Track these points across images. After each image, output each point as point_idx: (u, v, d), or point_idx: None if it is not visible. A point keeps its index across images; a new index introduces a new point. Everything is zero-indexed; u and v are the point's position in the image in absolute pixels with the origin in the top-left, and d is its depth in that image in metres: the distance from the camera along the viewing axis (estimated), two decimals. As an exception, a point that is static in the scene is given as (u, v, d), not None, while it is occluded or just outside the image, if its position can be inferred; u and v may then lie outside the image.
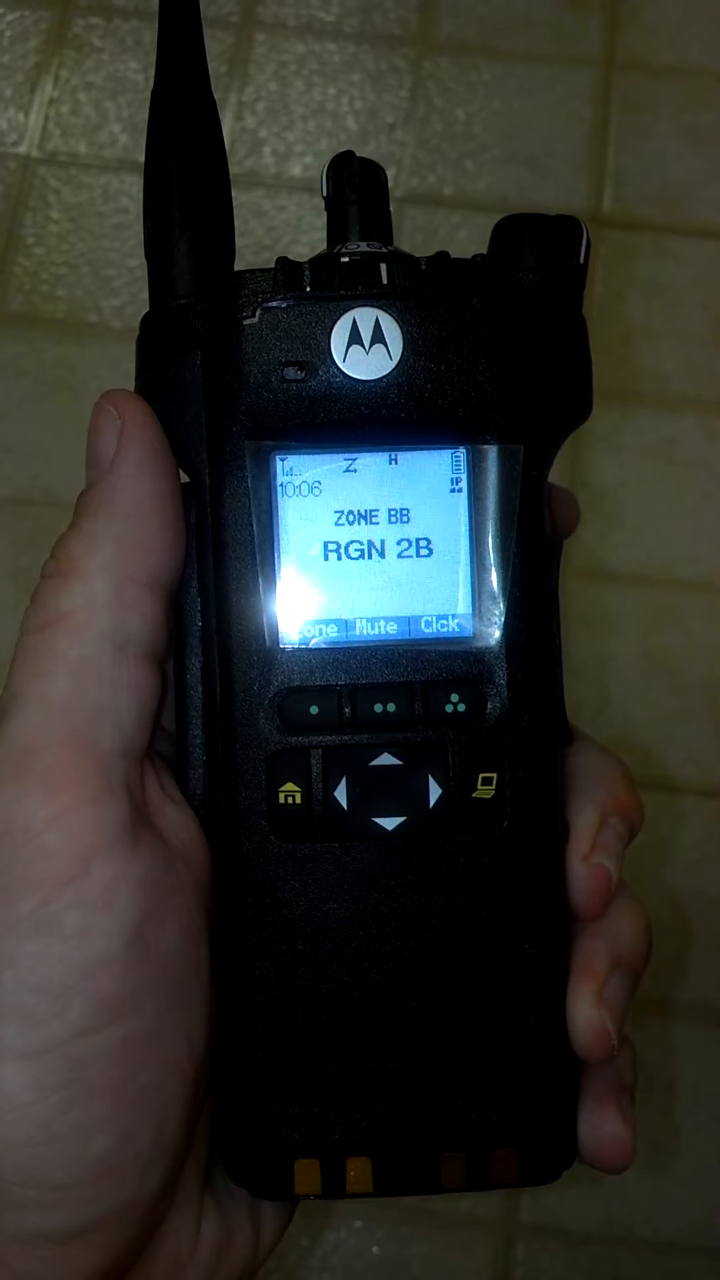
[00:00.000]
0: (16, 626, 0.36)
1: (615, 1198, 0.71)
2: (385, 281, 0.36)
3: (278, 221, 0.86)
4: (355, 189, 0.39)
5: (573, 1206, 0.71)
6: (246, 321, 0.36)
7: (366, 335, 0.36)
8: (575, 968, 0.38)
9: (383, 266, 0.37)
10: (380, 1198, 0.37)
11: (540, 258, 0.38)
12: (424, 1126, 0.37)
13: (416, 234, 0.86)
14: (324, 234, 0.40)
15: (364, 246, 0.38)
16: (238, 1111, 0.37)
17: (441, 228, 0.87)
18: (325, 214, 0.40)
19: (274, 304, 0.36)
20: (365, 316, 0.36)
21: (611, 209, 0.88)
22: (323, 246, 0.40)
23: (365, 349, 0.36)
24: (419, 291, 0.36)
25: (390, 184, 0.88)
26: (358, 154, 0.40)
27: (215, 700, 0.37)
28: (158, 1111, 0.35)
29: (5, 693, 0.36)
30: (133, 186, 0.87)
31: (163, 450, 0.36)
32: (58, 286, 0.86)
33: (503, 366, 0.37)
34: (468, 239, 0.87)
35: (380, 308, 0.36)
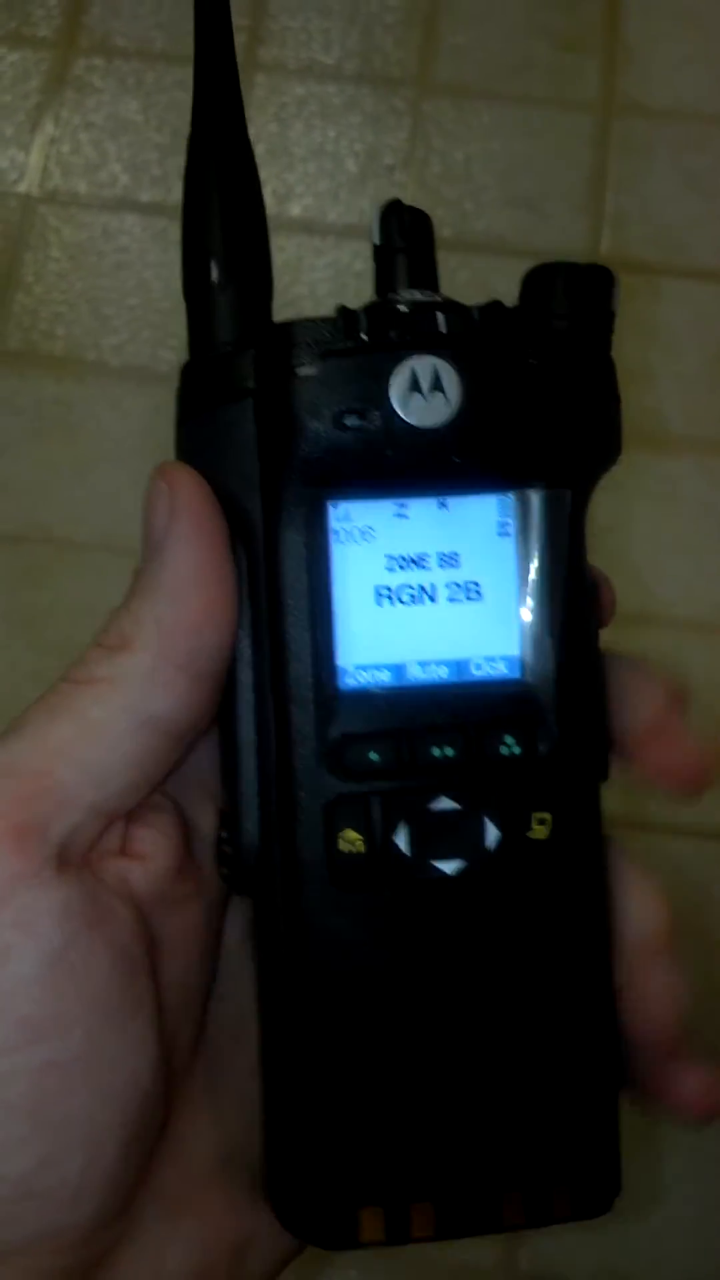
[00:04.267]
0: (10, 665, 0.36)
1: (613, 1246, 0.71)
2: (444, 330, 0.36)
3: (278, 262, 0.86)
4: (405, 236, 0.39)
5: (571, 1255, 0.71)
6: (305, 371, 0.36)
7: (426, 383, 0.36)
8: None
9: (440, 316, 0.36)
10: (442, 1241, 0.37)
11: (574, 305, 0.38)
12: (484, 1168, 0.37)
13: (416, 274, 0.86)
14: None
15: (417, 295, 0.38)
16: (297, 1162, 0.37)
17: (440, 269, 0.87)
18: (373, 261, 0.40)
19: (334, 353, 0.36)
20: (425, 366, 0.36)
21: (610, 251, 0.89)
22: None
23: (425, 397, 0.36)
24: (477, 341, 0.36)
25: (389, 225, 0.89)
26: (405, 202, 0.40)
27: (269, 746, 0.37)
28: (89, 1141, 0.35)
29: (15, 720, 0.36)
30: (133, 226, 0.87)
31: (212, 526, 0.36)
32: (57, 324, 0.86)
33: (548, 413, 0.37)
34: (467, 281, 0.87)
35: (439, 356, 0.36)
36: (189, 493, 0.36)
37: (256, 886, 0.38)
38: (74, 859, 0.36)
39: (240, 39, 0.94)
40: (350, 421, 0.36)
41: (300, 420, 0.36)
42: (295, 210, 0.89)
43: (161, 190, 0.87)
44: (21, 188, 0.90)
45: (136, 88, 0.91)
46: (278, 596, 0.37)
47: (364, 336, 0.36)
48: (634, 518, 0.81)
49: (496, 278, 0.93)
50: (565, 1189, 0.37)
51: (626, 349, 0.91)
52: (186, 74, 0.97)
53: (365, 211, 0.89)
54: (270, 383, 0.36)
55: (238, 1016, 0.40)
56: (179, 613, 0.36)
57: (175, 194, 0.86)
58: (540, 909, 0.37)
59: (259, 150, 0.93)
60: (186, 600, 0.36)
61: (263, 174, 0.90)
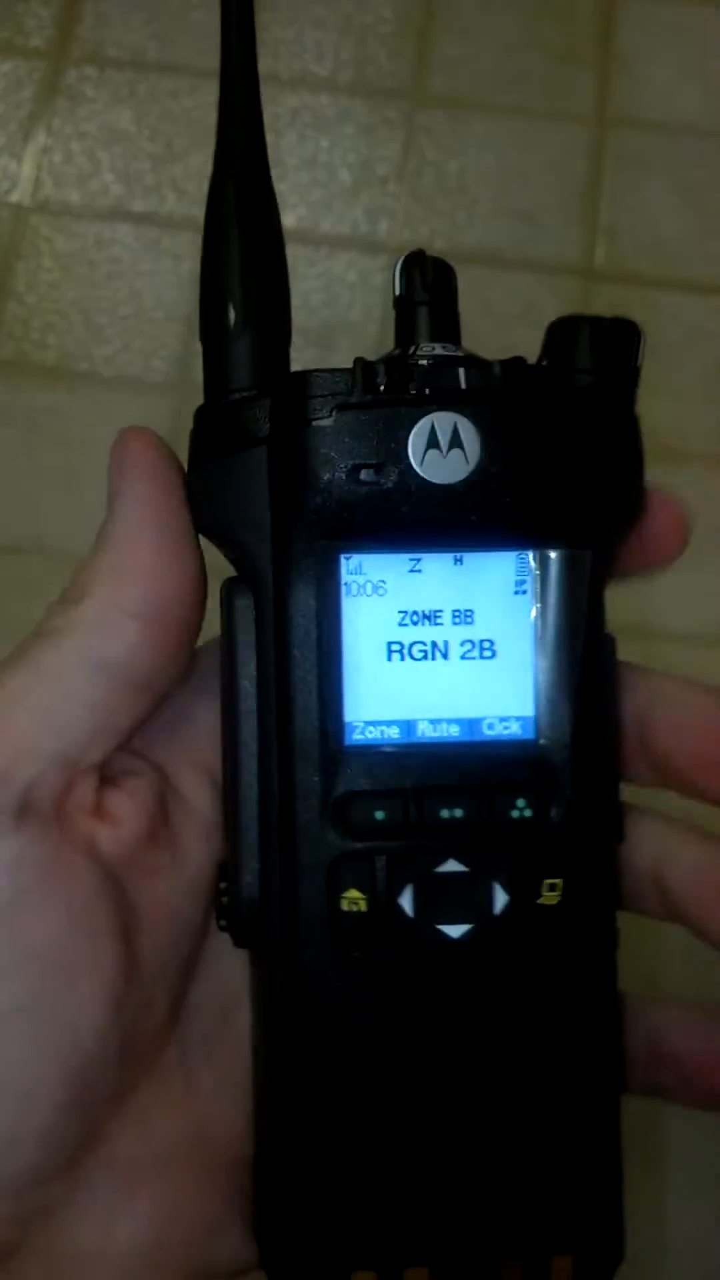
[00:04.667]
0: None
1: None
2: (464, 386, 0.36)
3: (270, 272, 0.86)
4: (428, 289, 0.38)
5: None
6: (320, 422, 0.35)
7: (444, 440, 0.35)
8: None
9: (460, 371, 0.36)
10: None
11: (600, 360, 0.37)
12: (482, 1235, 0.36)
13: (409, 286, 0.86)
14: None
15: (438, 349, 0.37)
16: (291, 1223, 0.36)
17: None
18: (395, 312, 0.39)
19: (352, 405, 0.36)
20: (444, 421, 0.35)
21: (604, 263, 0.89)
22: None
23: (443, 453, 0.35)
24: (497, 398, 0.36)
25: (383, 236, 0.89)
26: (428, 253, 0.39)
27: (272, 800, 0.37)
28: (23, 1092, 0.35)
29: None
30: (126, 235, 0.87)
31: (161, 479, 0.36)
32: (49, 334, 0.86)
33: (569, 472, 0.36)
34: (462, 291, 0.87)
35: (459, 413, 0.35)
36: (138, 449, 0.37)
37: (254, 940, 0.37)
38: (38, 811, 0.35)
39: (234, 49, 0.93)
40: (366, 475, 0.35)
41: (314, 471, 0.35)
42: (289, 220, 0.89)
43: (154, 200, 0.86)
44: (13, 197, 0.89)
45: (129, 97, 0.90)
46: (285, 648, 0.36)
47: (382, 389, 0.36)
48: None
49: (490, 289, 0.93)
50: (567, 1260, 0.37)
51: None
52: (179, 84, 0.97)
53: (359, 222, 0.89)
54: (285, 432, 0.36)
55: (223, 999, 0.39)
56: (127, 560, 0.36)
57: (168, 204, 0.86)
58: (547, 975, 0.37)
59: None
60: (135, 548, 0.36)
61: (256, 184, 0.90)
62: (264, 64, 0.95)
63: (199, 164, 0.90)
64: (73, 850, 0.36)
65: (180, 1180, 0.38)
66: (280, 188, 0.92)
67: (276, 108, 0.92)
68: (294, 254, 0.90)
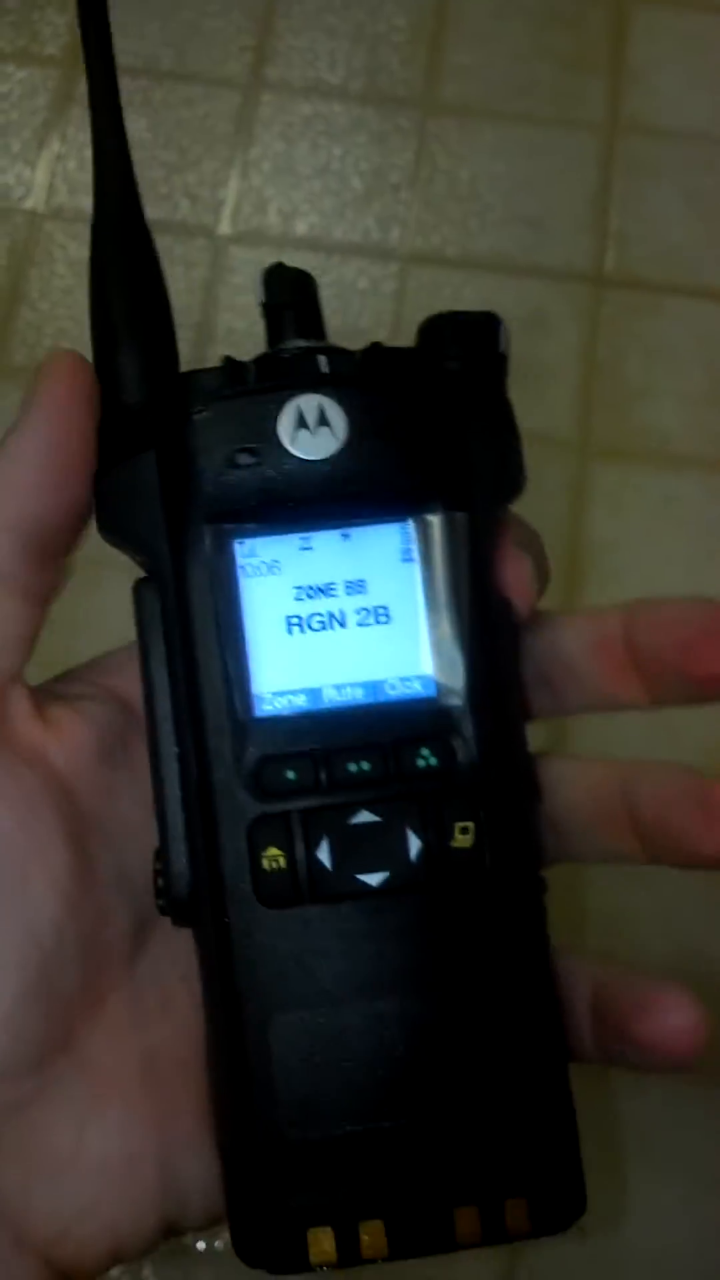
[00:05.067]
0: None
1: (613, 1264, 0.70)
2: (326, 370, 0.38)
3: (282, 278, 0.87)
4: (288, 294, 0.41)
5: (571, 1273, 0.71)
6: (199, 416, 0.38)
7: (312, 420, 0.38)
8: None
9: (321, 358, 0.39)
10: (396, 1260, 0.37)
11: (464, 348, 0.40)
12: (434, 1182, 0.37)
13: (421, 293, 0.87)
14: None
15: (301, 343, 0.40)
16: (245, 1188, 0.37)
17: (445, 287, 0.88)
18: (264, 320, 0.42)
19: (225, 397, 0.38)
20: (309, 403, 0.38)
21: (614, 269, 0.89)
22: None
23: (312, 432, 0.38)
24: (357, 377, 0.38)
25: (394, 244, 0.90)
26: (288, 264, 0.42)
27: (192, 778, 0.38)
28: None
29: None
30: (138, 242, 0.87)
31: (66, 402, 0.38)
32: (61, 341, 0.86)
33: (439, 443, 0.38)
34: (472, 298, 0.88)
35: (323, 394, 0.38)
36: (55, 370, 0.38)
37: (192, 916, 0.38)
38: None
39: (247, 58, 0.95)
40: (244, 459, 0.38)
41: (197, 462, 0.38)
42: (301, 228, 0.89)
43: (168, 208, 0.87)
44: (28, 204, 0.90)
45: (144, 105, 0.91)
46: (190, 631, 0.38)
47: (252, 382, 0.38)
48: (636, 535, 0.81)
49: (501, 295, 0.93)
50: (522, 1203, 0.37)
51: (629, 366, 0.92)
52: (193, 92, 0.98)
53: (371, 230, 0.90)
54: (168, 430, 0.38)
55: None
56: (11, 476, 0.38)
57: (181, 211, 0.87)
58: (475, 917, 0.38)
59: (265, 168, 0.94)
60: (23, 465, 0.38)
61: (269, 192, 0.91)
62: (277, 72, 0.96)
63: (212, 171, 0.90)
64: (13, 754, 0.38)
65: (152, 1094, 0.39)
66: (293, 196, 0.93)
67: (289, 116, 0.93)
68: (306, 261, 0.91)
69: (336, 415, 0.38)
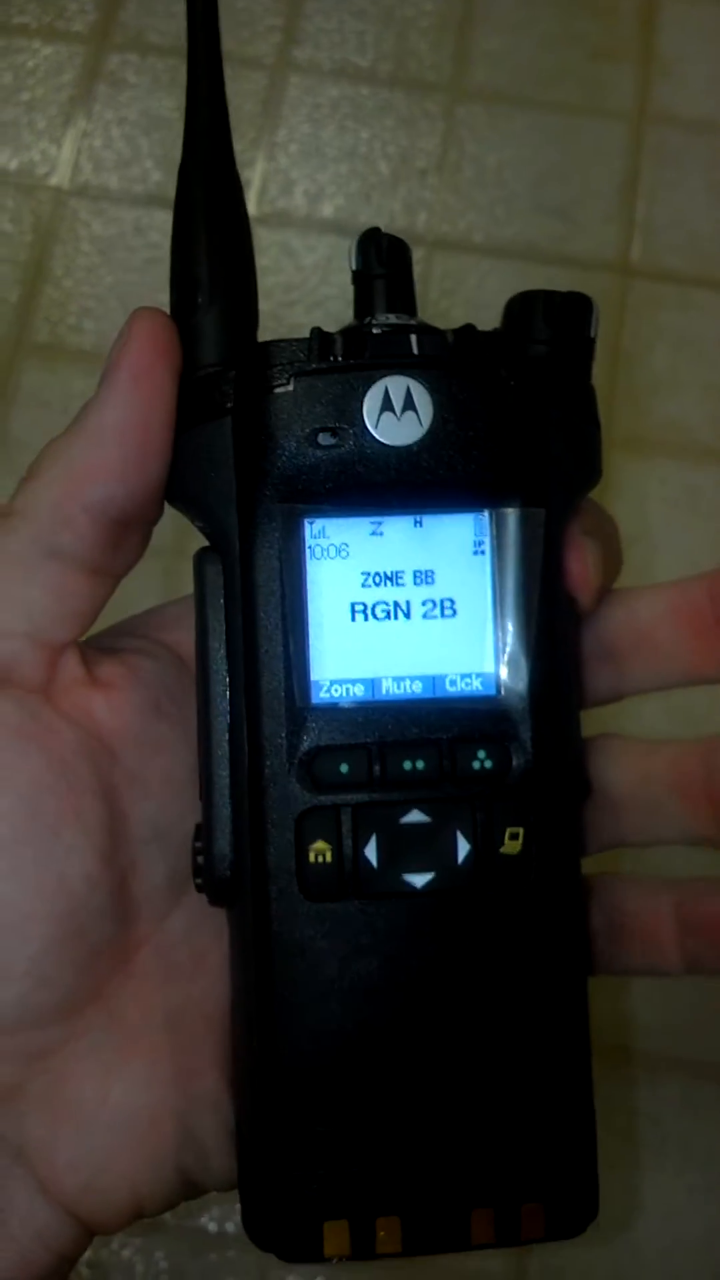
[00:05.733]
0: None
1: (623, 1258, 0.70)
2: (416, 352, 0.37)
3: (307, 262, 0.86)
4: (383, 263, 0.40)
5: (582, 1265, 0.71)
6: (280, 389, 0.37)
7: (399, 403, 0.37)
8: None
9: (413, 338, 0.38)
10: (409, 1257, 0.37)
11: (553, 331, 0.39)
12: (453, 1183, 0.37)
13: (446, 279, 0.86)
14: (351, 275, 0.41)
15: (393, 318, 0.39)
16: (262, 1173, 0.37)
17: (470, 274, 0.87)
18: (353, 287, 0.41)
19: (309, 372, 0.37)
20: (397, 385, 0.37)
21: (640, 260, 0.89)
22: (350, 289, 0.40)
23: (397, 416, 0.37)
24: (449, 361, 0.37)
25: (420, 229, 0.89)
26: (384, 230, 0.41)
27: (242, 760, 0.37)
28: (10, 929, 0.37)
29: None
30: (163, 222, 0.87)
31: (153, 380, 0.37)
32: (85, 319, 0.86)
33: (524, 434, 0.38)
34: (498, 286, 0.87)
35: (412, 377, 0.37)
36: (142, 341, 0.37)
37: (230, 898, 0.38)
38: (19, 683, 0.37)
39: (275, 39, 0.94)
40: (324, 439, 0.37)
41: (275, 437, 0.37)
42: (327, 211, 0.89)
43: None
44: (53, 181, 0.90)
45: (170, 84, 0.91)
46: (252, 610, 0.37)
47: (339, 357, 0.37)
48: (659, 527, 0.80)
49: (526, 284, 0.92)
50: (538, 1208, 0.37)
51: (654, 357, 0.92)
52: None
53: (396, 214, 0.89)
54: (247, 401, 0.37)
55: None
56: (92, 457, 0.37)
57: (206, 192, 0.86)
58: (513, 923, 0.37)
59: (292, 150, 0.93)
60: (103, 446, 0.37)
61: (295, 174, 0.91)
62: (305, 54, 0.96)
63: (238, 152, 0.89)
64: (55, 714, 0.38)
65: (177, 1050, 0.39)
66: (319, 178, 0.93)
67: (317, 98, 0.92)
68: (332, 245, 0.91)
69: (424, 400, 0.37)
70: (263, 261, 0.90)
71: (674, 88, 0.94)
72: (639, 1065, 0.72)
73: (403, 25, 0.95)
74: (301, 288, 0.85)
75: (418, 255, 0.92)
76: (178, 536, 0.41)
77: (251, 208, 0.88)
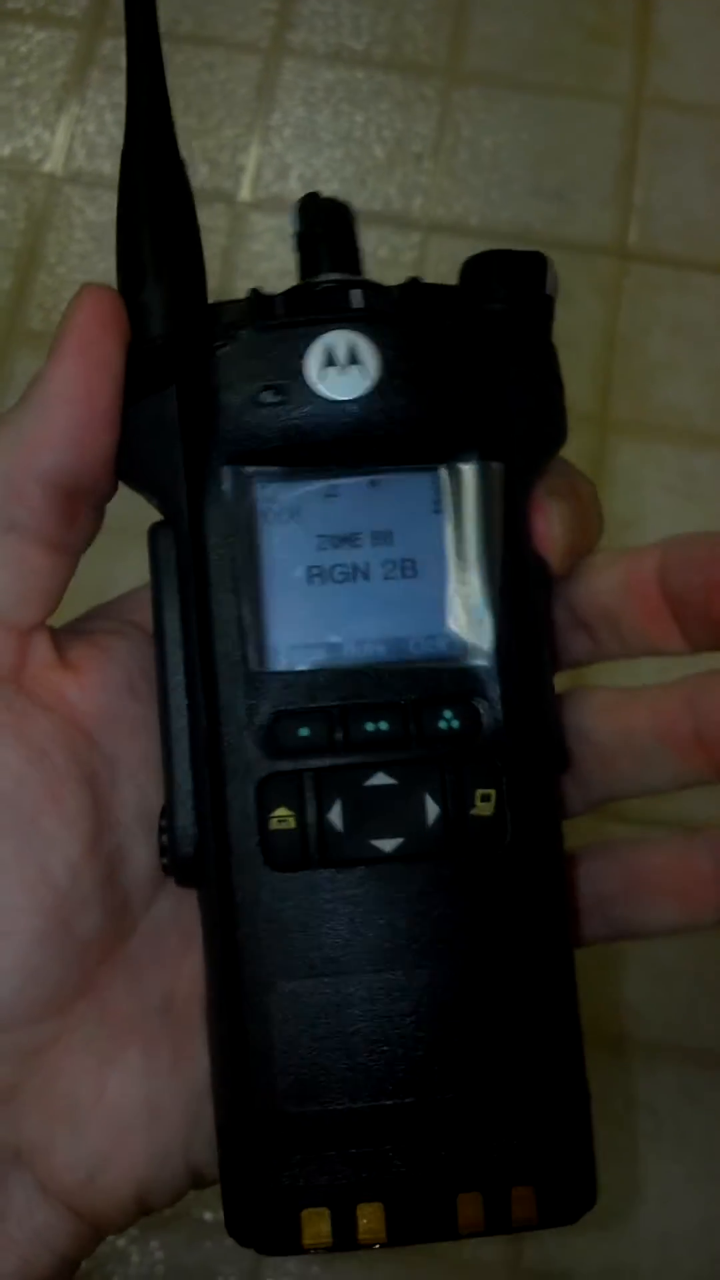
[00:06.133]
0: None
1: (620, 1244, 0.70)
2: (360, 305, 0.37)
3: (302, 247, 0.86)
4: (324, 224, 0.39)
5: (577, 1252, 0.70)
6: (221, 350, 0.36)
7: (342, 357, 0.36)
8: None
9: (355, 292, 0.37)
10: (394, 1247, 0.36)
11: (509, 289, 0.38)
12: (438, 1166, 0.35)
13: (442, 263, 0.86)
14: (293, 240, 0.40)
15: (335, 276, 0.38)
16: (238, 1161, 0.36)
17: (466, 257, 0.87)
18: (296, 251, 0.40)
19: (249, 329, 0.36)
20: (340, 339, 0.36)
21: (637, 243, 0.88)
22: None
23: (340, 371, 0.36)
24: (393, 314, 0.36)
25: (416, 213, 0.89)
26: (323, 193, 0.40)
27: (201, 731, 0.37)
28: None
29: None
30: (157, 208, 0.87)
31: (99, 349, 0.37)
32: (79, 306, 0.86)
33: (478, 388, 0.37)
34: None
35: (355, 330, 0.36)
36: (88, 310, 0.37)
37: (197, 877, 0.37)
38: None
39: (269, 23, 0.94)
40: (267, 398, 0.36)
41: (218, 399, 0.36)
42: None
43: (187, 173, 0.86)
44: (46, 167, 0.89)
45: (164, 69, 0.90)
46: (205, 578, 0.36)
47: (281, 315, 0.36)
48: (655, 512, 0.80)
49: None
50: (528, 1191, 0.36)
51: (651, 341, 0.91)
52: (214, 57, 0.96)
53: (392, 198, 0.89)
54: (189, 365, 0.36)
55: None
56: (41, 427, 0.36)
57: (200, 177, 0.86)
58: (491, 889, 0.36)
59: (286, 134, 0.93)
60: (52, 416, 0.36)
61: (290, 159, 0.90)
62: (300, 38, 0.95)
63: (232, 136, 0.90)
64: (29, 701, 0.37)
65: (174, 1038, 0.38)
66: (314, 163, 0.92)
67: (312, 82, 0.92)
68: (326, 229, 0.90)
69: (369, 353, 0.36)
70: (257, 247, 0.90)
71: (671, 71, 0.93)
72: (636, 1053, 0.72)
73: (398, 8, 0.95)
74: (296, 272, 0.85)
75: (413, 239, 0.92)
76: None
77: (246, 193, 0.88)
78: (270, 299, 0.37)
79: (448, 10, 0.95)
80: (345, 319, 0.36)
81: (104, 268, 0.88)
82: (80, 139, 0.89)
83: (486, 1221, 0.35)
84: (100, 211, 0.87)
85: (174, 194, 0.39)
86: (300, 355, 0.36)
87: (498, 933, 0.36)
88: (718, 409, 0.83)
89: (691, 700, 0.39)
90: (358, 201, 0.88)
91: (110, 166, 0.88)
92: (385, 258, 0.86)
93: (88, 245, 0.87)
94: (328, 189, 0.88)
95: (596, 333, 0.84)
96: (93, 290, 0.37)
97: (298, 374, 0.36)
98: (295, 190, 0.88)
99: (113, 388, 0.37)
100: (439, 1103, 0.36)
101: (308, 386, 0.36)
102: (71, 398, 0.36)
